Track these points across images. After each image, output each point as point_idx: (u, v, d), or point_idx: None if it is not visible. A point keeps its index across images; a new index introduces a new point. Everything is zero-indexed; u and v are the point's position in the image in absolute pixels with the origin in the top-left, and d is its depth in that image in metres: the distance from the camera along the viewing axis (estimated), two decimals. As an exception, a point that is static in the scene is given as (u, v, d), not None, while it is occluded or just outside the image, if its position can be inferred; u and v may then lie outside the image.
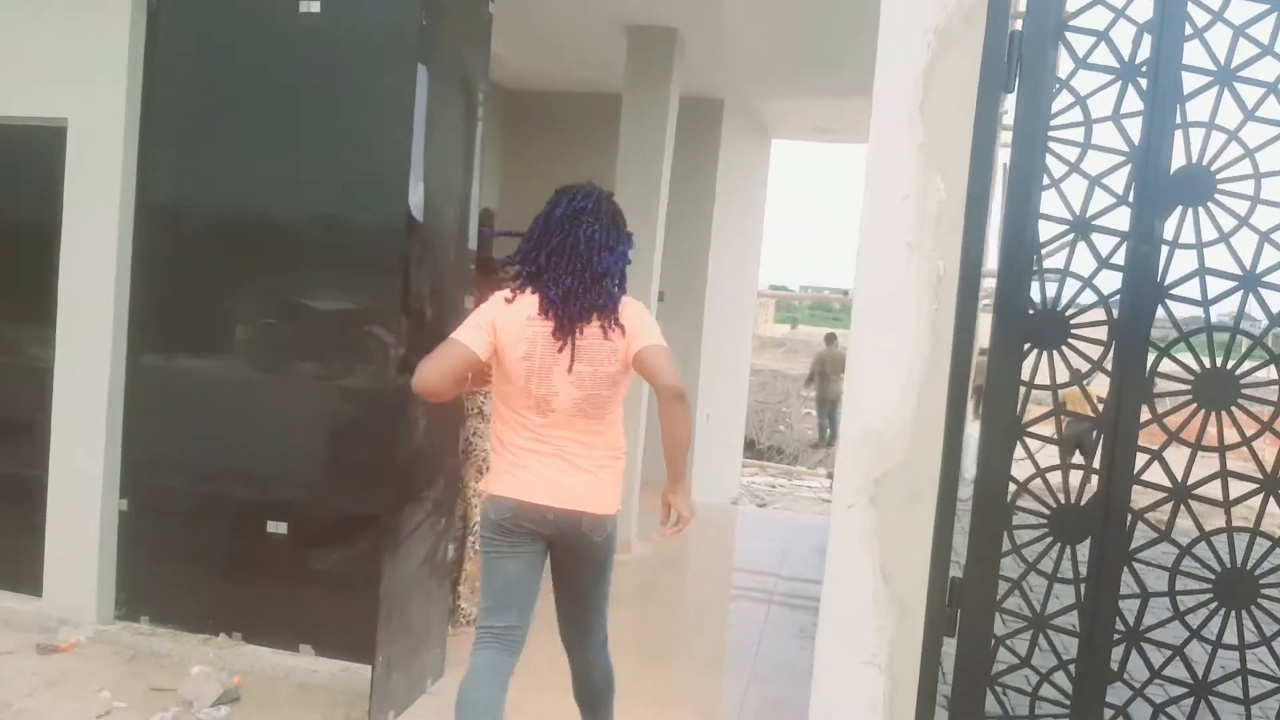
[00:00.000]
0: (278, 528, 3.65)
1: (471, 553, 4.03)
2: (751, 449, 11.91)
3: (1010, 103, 2.59)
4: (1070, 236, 2.60)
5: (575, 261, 2.45)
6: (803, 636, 4.38)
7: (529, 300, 2.47)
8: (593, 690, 2.72)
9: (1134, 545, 2.59)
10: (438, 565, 3.51)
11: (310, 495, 3.65)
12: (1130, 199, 2.56)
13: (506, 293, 2.50)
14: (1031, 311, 2.60)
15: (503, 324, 2.46)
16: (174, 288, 3.80)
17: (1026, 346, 2.61)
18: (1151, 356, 2.56)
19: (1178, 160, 2.53)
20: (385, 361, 3.47)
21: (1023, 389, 2.61)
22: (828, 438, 13.99)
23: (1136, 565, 2.60)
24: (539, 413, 2.47)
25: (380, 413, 3.37)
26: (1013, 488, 2.64)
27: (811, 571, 5.45)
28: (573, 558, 2.55)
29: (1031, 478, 2.65)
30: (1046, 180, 2.59)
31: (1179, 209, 2.53)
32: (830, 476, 12.69)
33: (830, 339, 15.14)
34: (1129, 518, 2.59)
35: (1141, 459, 2.57)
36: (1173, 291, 2.55)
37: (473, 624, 3.59)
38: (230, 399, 3.79)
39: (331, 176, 3.61)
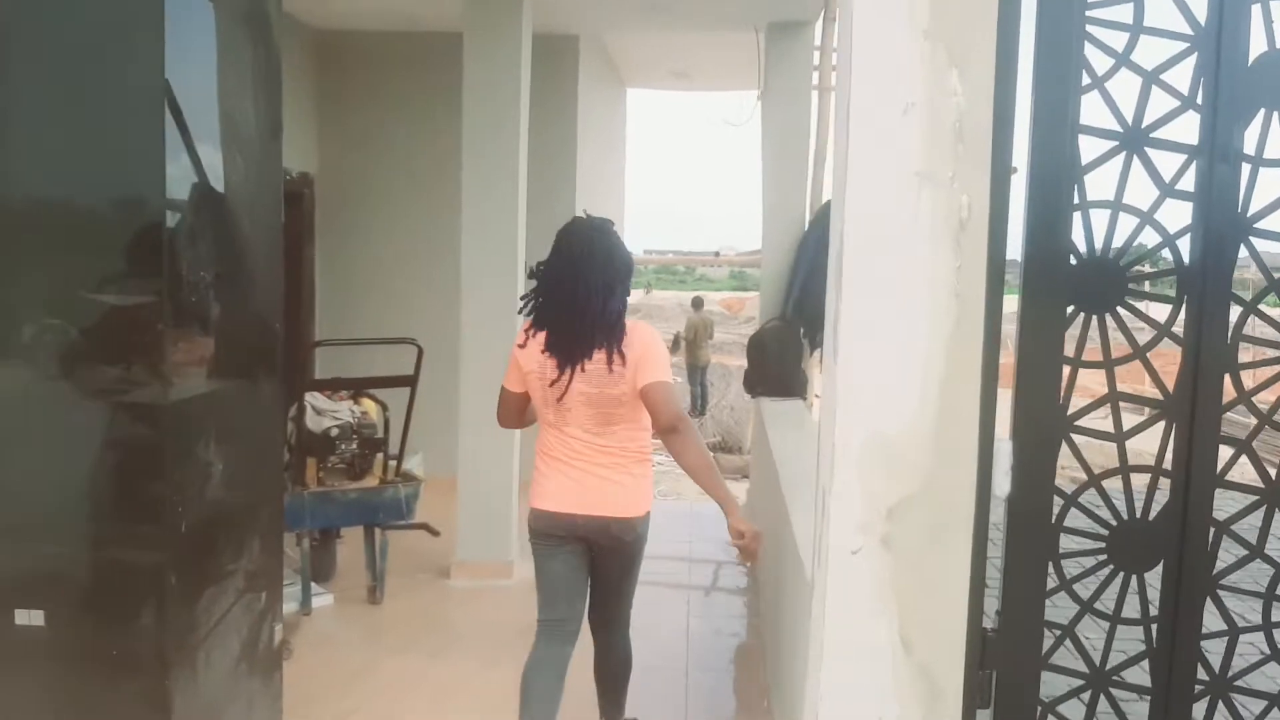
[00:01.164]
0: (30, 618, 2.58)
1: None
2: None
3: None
4: (1121, 155, 1.89)
5: (574, 309, 2.73)
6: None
7: (539, 338, 2.81)
8: (610, 670, 3.07)
9: (1217, 568, 1.94)
10: (260, 658, 2.55)
11: (78, 568, 2.58)
12: (1199, 100, 1.87)
13: (520, 336, 2.88)
14: (1074, 261, 1.89)
15: (523, 360, 2.85)
16: None
17: (1070, 310, 1.90)
18: (1234, 313, 1.90)
19: (1258, 46, 1.86)
20: (155, 369, 2.42)
21: (1066, 369, 1.91)
22: (700, 406, 13.44)
23: (1221, 593, 1.95)
24: (561, 428, 2.81)
25: (154, 443, 2.34)
26: (1058, 503, 1.94)
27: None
28: (605, 555, 2.88)
29: (1083, 488, 1.95)
30: (1086, 79, 1.87)
31: (1262, 112, 1.86)
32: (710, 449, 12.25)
33: (698, 303, 14.64)
34: (1211, 532, 1.93)
35: (1223, 453, 1.92)
36: (1259, 225, 1.88)
37: None
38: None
39: (88, 143, 2.49)
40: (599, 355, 2.70)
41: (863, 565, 1.86)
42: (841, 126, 1.82)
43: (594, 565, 2.92)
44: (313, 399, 4.11)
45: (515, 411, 2.96)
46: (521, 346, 2.83)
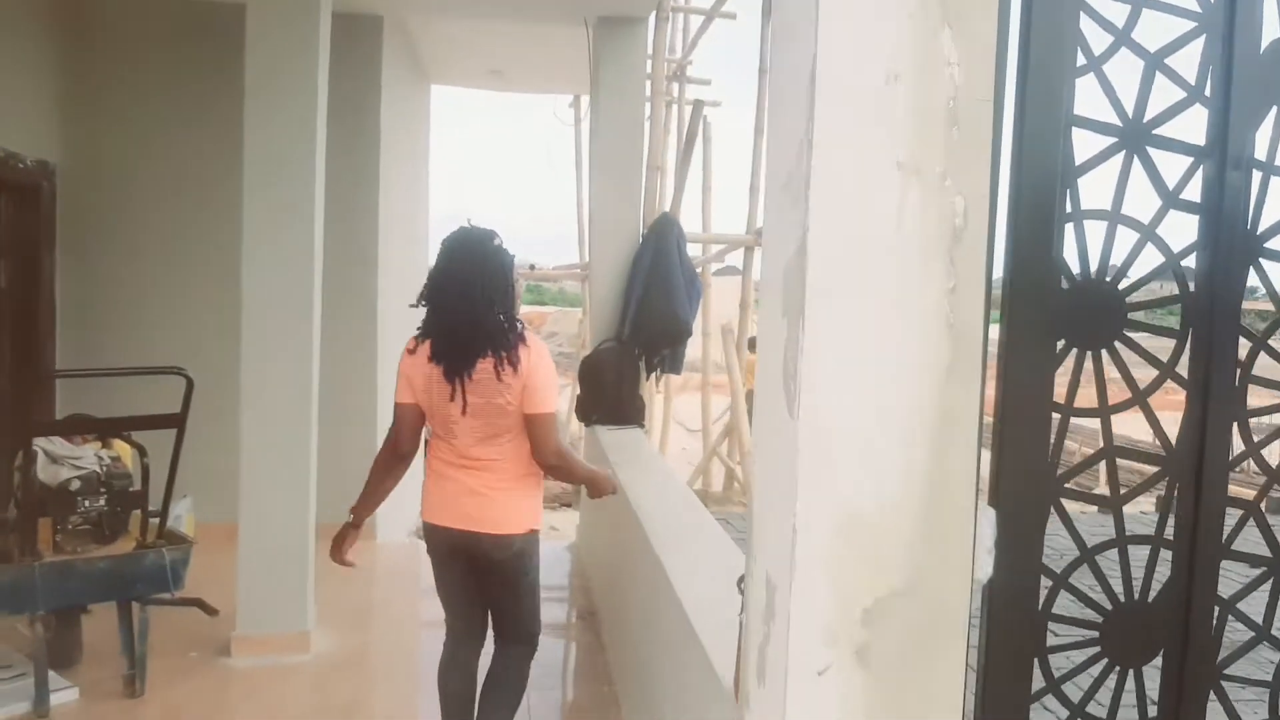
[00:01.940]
0: None
1: None
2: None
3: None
4: (1120, 155, 1.54)
5: (456, 318, 2.72)
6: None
7: (426, 346, 2.79)
8: (491, 684, 2.94)
9: (1222, 655, 1.62)
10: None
11: None
12: (1206, 93, 1.55)
13: (410, 343, 2.86)
14: (1066, 285, 1.52)
15: (410, 371, 2.83)
16: None
17: (1060, 345, 1.52)
18: (1244, 350, 1.59)
19: (1271, 31, 1.56)
20: None
21: (1056, 418, 1.53)
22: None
23: (1225, 684, 1.63)
24: (447, 439, 2.80)
25: None
26: (1046, 586, 1.56)
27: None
28: (483, 572, 2.85)
29: (1075, 564, 1.58)
30: (1081, 59, 1.51)
31: (1275, 109, 1.56)
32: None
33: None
34: (1216, 612, 1.61)
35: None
36: (1269, 244, 1.58)
37: None
38: None
39: None
40: (483, 364, 2.68)
41: (830, 690, 1.39)
42: (816, 99, 1.34)
43: (475, 581, 2.91)
44: (46, 443, 3.21)
45: (410, 426, 2.87)
46: (411, 353, 2.82)
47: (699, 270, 6.04)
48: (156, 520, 3.40)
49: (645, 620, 3.23)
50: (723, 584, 2.66)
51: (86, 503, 3.19)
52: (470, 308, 2.68)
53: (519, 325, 2.78)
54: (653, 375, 5.16)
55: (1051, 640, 1.55)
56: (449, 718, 2.95)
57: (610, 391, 4.41)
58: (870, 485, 1.39)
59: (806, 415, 1.36)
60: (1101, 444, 1.62)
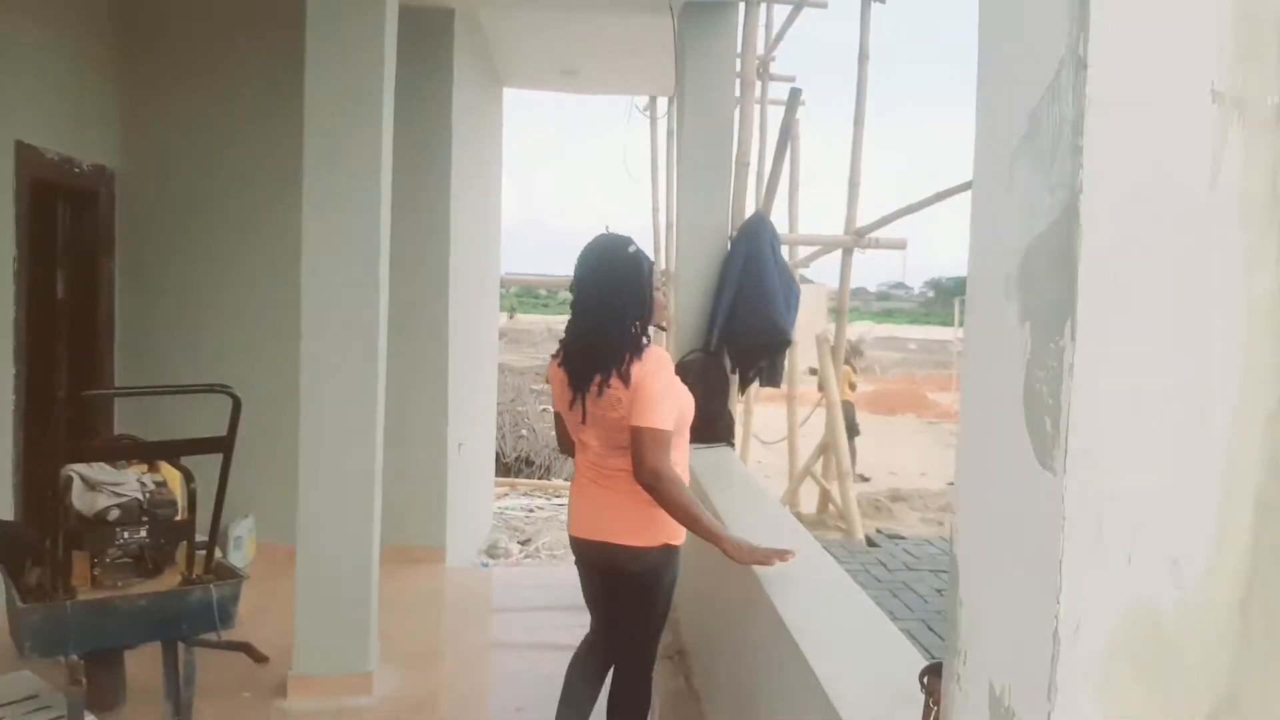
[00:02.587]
0: None
1: None
2: (497, 463, 9.99)
3: None
4: None
5: (585, 327, 2.71)
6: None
7: (561, 354, 2.83)
8: (610, 708, 2.92)
9: None
10: None
11: None
12: None
13: (558, 355, 2.85)
14: None
15: (552, 376, 2.88)
16: None
17: None
18: None
19: None
20: None
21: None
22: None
23: None
24: (581, 449, 2.81)
25: None
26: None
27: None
28: (612, 585, 2.80)
29: None
30: None
31: None
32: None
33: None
34: None
35: None
36: None
37: None
38: None
39: None
40: (599, 377, 2.63)
41: None
42: (1040, 15, 0.91)
43: (609, 595, 2.86)
44: (85, 469, 2.91)
45: (562, 431, 2.93)
46: (555, 359, 2.85)
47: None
48: (204, 552, 3.06)
49: (754, 674, 2.79)
50: (852, 641, 2.23)
51: (126, 534, 2.86)
52: (597, 318, 2.66)
53: (644, 338, 2.67)
54: (744, 388, 4.73)
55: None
56: (560, 704, 2.96)
57: (697, 407, 3.97)
58: (1167, 569, 0.94)
59: (1078, 468, 0.92)
60: None
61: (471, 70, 5.98)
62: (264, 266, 5.33)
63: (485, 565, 6.52)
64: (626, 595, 2.76)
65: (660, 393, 2.58)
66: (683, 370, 4.49)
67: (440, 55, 5.36)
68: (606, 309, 2.64)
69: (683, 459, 2.75)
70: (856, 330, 5.80)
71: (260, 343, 5.23)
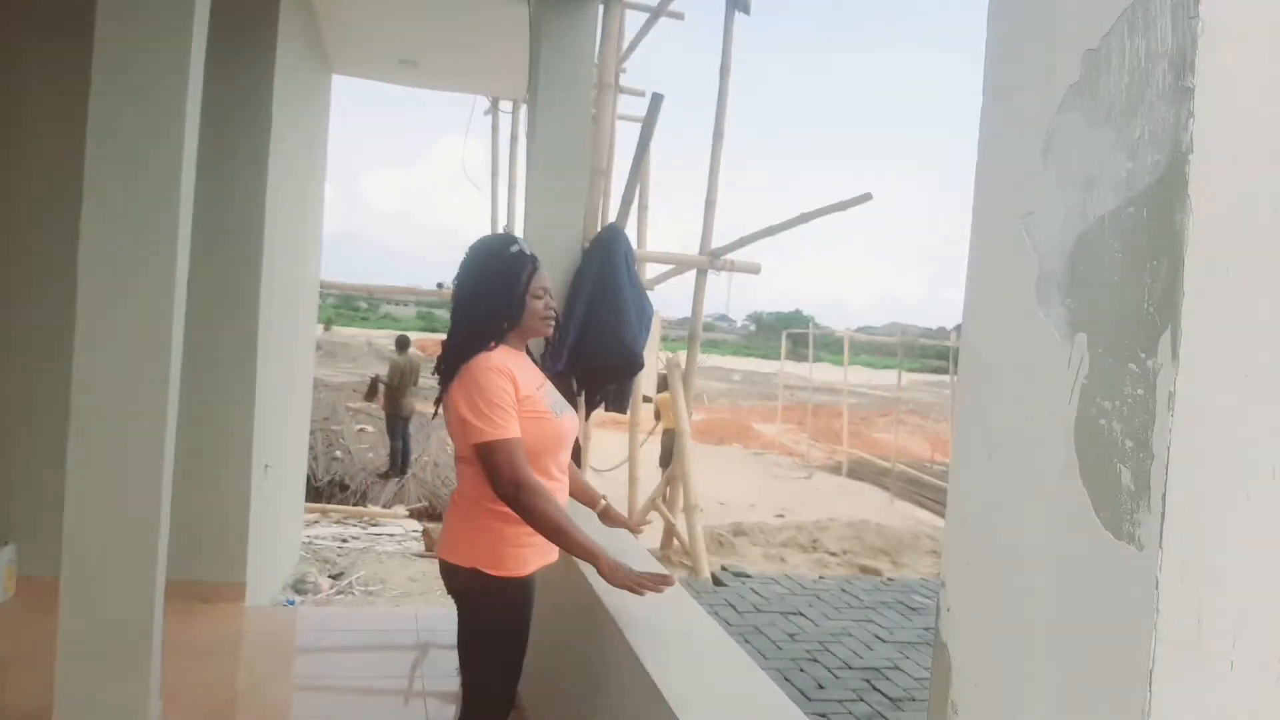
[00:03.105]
0: None
1: None
2: (308, 487, 9.21)
3: None
4: None
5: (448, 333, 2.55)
6: None
7: None
8: None
9: None
10: None
11: None
12: None
13: None
14: None
15: None
16: None
17: None
18: None
19: None
20: None
21: None
22: (400, 464, 11.70)
23: None
24: None
25: None
26: None
27: None
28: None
29: None
30: None
31: None
32: (412, 515, 10.46)
33: (402, 343, 12.98)
34: None
35: None
36: None
37: None
38: None
39: None
40: (441, 381, 2.48)
41: None
42: None
43: None
44: None
45: None
46: None
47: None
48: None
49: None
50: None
51: None
52: (458, 317, 2.48)
53: (493, 343, 2.41)
54: (591, 413, 4.42)
55: None
56: None
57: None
58: None
59: (1178, 540, 0.65)
60: None
61: (298, 52, 5.44)
62: (36, 267, 4.60)
63: (291, 603, 5.87)
64: (460, 618, 2.50)
65: (472, 404, 2.30)
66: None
67: (262, 32, 4.81)
68: (468, 309, 2.44)
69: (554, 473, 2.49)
70: (680, 359, 5.76)
71: (32, 346, 4.49)
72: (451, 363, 2.39)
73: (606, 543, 2.40)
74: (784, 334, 27.93)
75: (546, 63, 4.28)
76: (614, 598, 2.51)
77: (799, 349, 28.07)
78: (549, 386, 2.56)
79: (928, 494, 15.53)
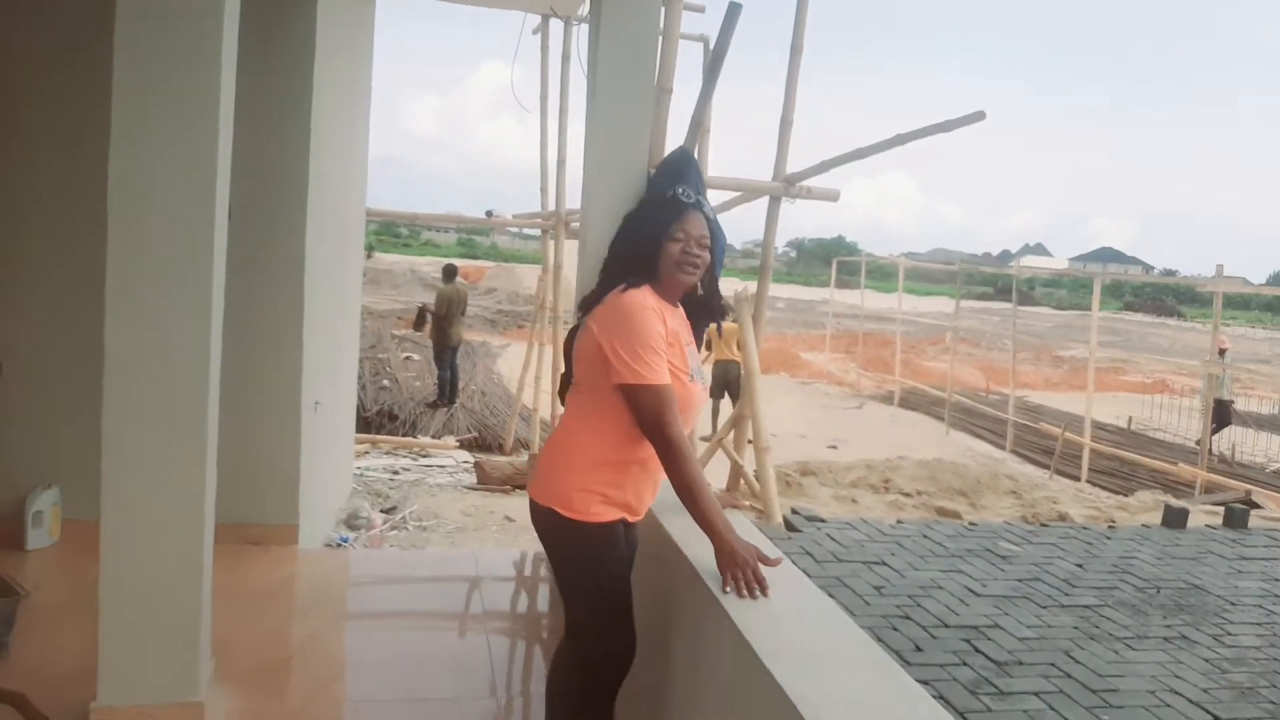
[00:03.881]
0: None
1: None
2: (356, 418, 9.10)
3: None
4: None
5: None
6: None
7: None
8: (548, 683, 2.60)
9: None
10: None
11: None
12: None
13: None
14: None
15: None
16: None
17: None
18: None
19: None
20: None
21: None
22: (449, 394, 11.56)
23: None
24: None
25: None
26: None
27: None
28: None
29: None
30: None
31: None
32: (462, 445, 10.30)
33: (450, 272, 12.71)
34: None
35: None
36: None
37: None
38: None
39: None
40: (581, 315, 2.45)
41: None
42: None
43: None
44: None
45: None
46: None
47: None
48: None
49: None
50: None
51: None
52: (608, 256, 2.49)
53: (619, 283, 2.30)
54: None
55: None
56: None
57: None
58: None
59: None
60: None
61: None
62: (74, 205, 4.38)
63: (344, 541, 5.74)
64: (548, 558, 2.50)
65: (633, 335, 2.19)
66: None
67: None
68: (620, 242, 2.45)
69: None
70: (750, 290, 5.51)
71: (72, 277, 4.30)
72: (600, 294, 2.33)
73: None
74: (834, 261, 27.35)
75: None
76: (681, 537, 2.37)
77: (842, 275, 27.53)
78: (692, 349, 2.39)
79: (983, 424, 15.15)
